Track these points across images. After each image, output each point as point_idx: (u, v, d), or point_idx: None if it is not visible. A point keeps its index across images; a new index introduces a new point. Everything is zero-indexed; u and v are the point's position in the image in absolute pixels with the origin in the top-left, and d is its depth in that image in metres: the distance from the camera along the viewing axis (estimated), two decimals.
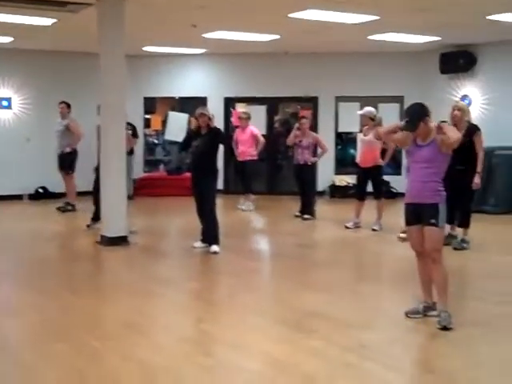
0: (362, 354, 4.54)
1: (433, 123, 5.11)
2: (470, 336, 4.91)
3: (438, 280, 5.12)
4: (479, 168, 7.99)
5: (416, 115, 5.11)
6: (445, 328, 4.91)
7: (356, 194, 10.25)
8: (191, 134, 8.38)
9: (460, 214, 8.15)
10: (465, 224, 8.26)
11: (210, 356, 4.59)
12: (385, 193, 10.63)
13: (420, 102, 5.27)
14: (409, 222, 5.20)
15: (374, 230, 9.61)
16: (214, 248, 7.97)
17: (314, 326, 5.15)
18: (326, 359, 4.43)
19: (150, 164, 15.88)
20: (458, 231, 8.27)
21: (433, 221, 4.99)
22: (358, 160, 10.41)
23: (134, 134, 10.26)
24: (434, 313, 5.18)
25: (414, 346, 4.79)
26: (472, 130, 8.08)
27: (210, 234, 8.08)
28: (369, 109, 10.02)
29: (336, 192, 14.23)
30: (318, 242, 9.66)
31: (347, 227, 9.84)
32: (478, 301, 6.03)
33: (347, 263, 7.90)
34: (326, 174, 14.24)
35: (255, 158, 12.13)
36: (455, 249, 8.07)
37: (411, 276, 5.76)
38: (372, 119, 9.79)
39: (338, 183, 14.38)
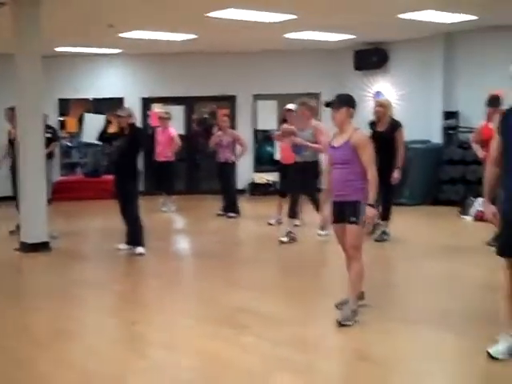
0: (295, 348, 4.63)
1: (355, 127, 5.13)
2: (397, 325, 5.07)
3: (351, 276, 5.17)
4: (399, 163, 8.26)
5: (344, 98, 5.19)
6: (340, 324, 4.95)
7: (278, 190, 10.36)
8: (109, 134, 8.27)
9: (382, 208, 8.40)
10: (386, 217, 8.51)
11: (146, 358, 4.55)
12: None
13: (350, 95, 5.33)
14: (334, 220, 5.25)
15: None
16: (139, 250, 7.89)
17: (244, 322, 5.19)
18: (260, 354, 4.48)
19: (67, 167, 15.54)
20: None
21: (353, 219, 5.03)
22: (278, 157, 10.53)
23: (54, 137, 10.01)
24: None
25: (345, 337, 4.89)
26: (394, 126, 8.34)
27: (134, 236, 7.99)
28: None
29: (256, 190, 14.35)
30: (243, 240, 9.73)
31: (270, 224, 9.95)
32: (399, 288, 6.26)
33: (272, 260, 7.99)
34: (246, 172, 14.33)
35: (172, 159, 12.05)
36: (376, 241, 8.31)
37: (337, 269, 5.89)
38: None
39: (257, 181, 14.51)
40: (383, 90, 13.92)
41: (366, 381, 4.03)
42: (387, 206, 8.47)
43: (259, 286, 6.43)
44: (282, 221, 9.88)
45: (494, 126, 7.47)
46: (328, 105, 5.17)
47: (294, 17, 10.52)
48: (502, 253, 4.20)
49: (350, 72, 13.98)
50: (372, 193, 4.97)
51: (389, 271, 7.43)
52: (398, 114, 13.41)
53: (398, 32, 12.34)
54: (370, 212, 4.96)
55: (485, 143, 8.02)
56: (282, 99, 14.63)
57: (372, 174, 4.98)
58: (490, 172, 4.29)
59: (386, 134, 8.22)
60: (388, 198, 8.41)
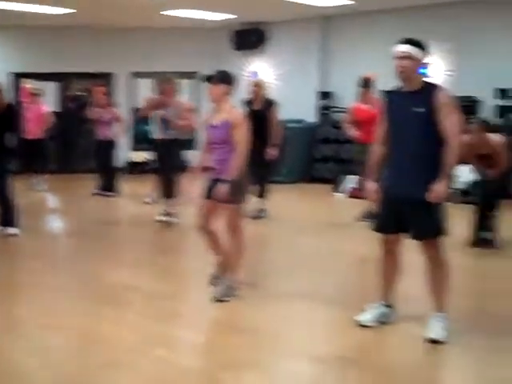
0: (174, 323, 4.68)
1: (232, 106, 5.13)
2: (271, 299, 5.22)
3: (229, 252, 5.21)
4: (275, 140, 8.44)
5: (224, 75, 5.14)
6: (217, 300, 5.02)
7: (154, 169, 10.27)
8: None
9: (258, 185, 8.55)
10: (262, 194, 8.68)
11: (21, 338, 4.41)
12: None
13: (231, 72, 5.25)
14: (207, 196, 5.19)
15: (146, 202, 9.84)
16: (12, 230, 7.61)
17: (126, 300, 5.17)
18: (140, 330, 4.49)
19: None
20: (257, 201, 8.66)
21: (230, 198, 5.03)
22: (155, 135, 10.40)
23: None
24: (237, 278, 5.33)
25: (221, 311, 4.97)
26: (269, 104, 8.53)
27: (6, 216, 7.69)
28: None
29: (134, 168, 14.18)
30: (120, 219, 9.61)
31: (146, 203, 9.89)
32: (274, 264, 6.44)
33: (149, 239, 7.96)
34: (123, 151, 14.10)
35: (42, 136, 11.64)
36: (253, 218, 8.46)
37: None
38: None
39: (135, 159, 14.34)
40: (261, 70, 14.13)
41: (240, 350, 4.14)
42: (263, 184, 8.64)
43: (139, 264, 6.40)
44: (156, 200, 9.82)
45: (369, 106, 7.84)
46: (208, 79, 5.16)
47: None
48: (379, 229, 4.38)
49: (228, 51, 14.06)
50: (234, 170, 4.96)
51: (265, 248, 7.61)
52: (274, 93, 13.66)
53: (277, 13, 12.53)
54: (222, 188, 4.97)
55: (356, 123, 8.36)
56: (161, 77, 14.48)
57: (240, 151, 5.00)
58: (375, 151, 4.42)
59: (260, 112, 8.41)
60: (264, 176, 8.58)
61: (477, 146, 6.84)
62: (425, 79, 4.29)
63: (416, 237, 4.24)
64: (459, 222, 7.05)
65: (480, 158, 6.94)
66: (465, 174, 9.46)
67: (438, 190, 4.04)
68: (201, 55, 14.35)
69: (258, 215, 8.61)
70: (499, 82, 10.60)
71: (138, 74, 14.58)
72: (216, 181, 5.09)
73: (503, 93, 10.60)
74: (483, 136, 6.82)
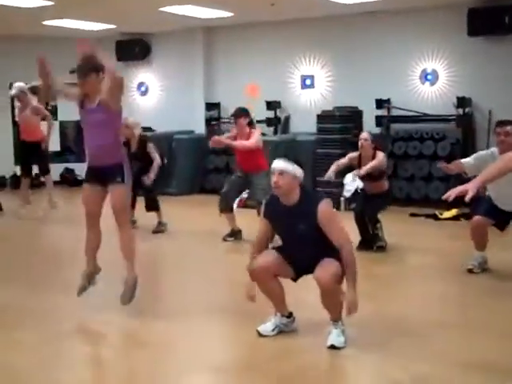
0: (75, 339, 4.58)
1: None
2: (172, 309, 5.23)
3: (126, 244, 5.12)
4: (155, 170, 8.41)
5: (91, 63, 5.01)
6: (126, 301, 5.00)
7: None
8: None
9: (145, 200, 8.49)
10: (153, 207, 8.59)
11: None
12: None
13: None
14: (88, 182, 5.14)
15: None
16: None
17: (14, 320, 5.00)
18: (39, 351, 4.35)
19: None
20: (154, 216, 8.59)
21: (119, 179, 5.01)
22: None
23: None
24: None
25: (119, 325, 4.91)
26: (143, 144, 8.50)
27: None
28: (19, 84, 9.85)
29: None
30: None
31: None
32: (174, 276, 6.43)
33: None
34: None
35: None
36: (154, 232, 8.43)
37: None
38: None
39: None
40: (146, 81, 14.05)
41: (140, 364, 4.11)
42: (152, 198, 8.55)
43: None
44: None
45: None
46: (73, 72, 5.05)
47: (51, 3, 10.20)
48: None
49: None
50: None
51: (163, 262, 7.56)
52: (161, 105, 13.77)
53: (159, 24, 12.50)
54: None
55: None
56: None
57: None
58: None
59: (138, 154, 8.36)
60: (150, 191, 8.51)
61: (364, 155, 7.20)
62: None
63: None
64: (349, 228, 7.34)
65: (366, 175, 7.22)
66: (349, 182, 9.83)
67: (350, 302, 4.10)
68: None
69: (159, 229, 8.53)
70: (379, 93, 11.10)
71: None
72: (101, 168, 5.04)
73: (379, 103, 11.09)
74: (369, 150, 7.17)
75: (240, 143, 7.64)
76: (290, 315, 4.61)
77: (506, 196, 6.01)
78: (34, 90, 9.75)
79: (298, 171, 4.25)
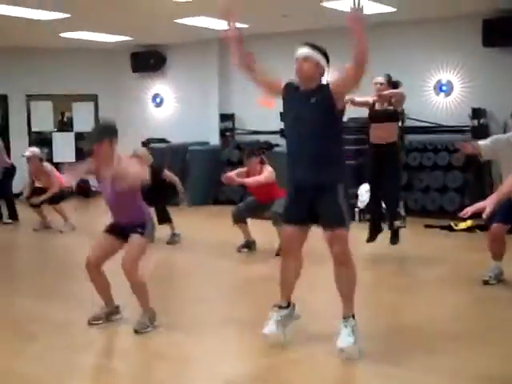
0: (89, 352, 4.59)
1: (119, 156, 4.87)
2: (186, 321, 5.22)
3: (138, 288, 4.94)
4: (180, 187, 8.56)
5: (103, 129, 4.95)
6: (137, 332, 4.86)
7: None
8: None
9: (156, 212, 8.49)
10: (166, 220, 8.56)
11: None
12: None
13: (109, 122, 5.09)
14: (107, 231, 5.04)
15: None
16: None
17: (33, 331, 5.00)
18: (49, 361, 4.36)
19: None
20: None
21: (139, 230, 4.89)
22: None
23: None
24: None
25: (135, 338, 4.91)
26: (158, 172, 8.29)
27: None
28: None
29: None
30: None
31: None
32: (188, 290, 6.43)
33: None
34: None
35: None
36: (168, 243, 8.42)
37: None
38: None
39: None
40: (161, 92, 14.12)
41: (159, 376, 4.12)
42: (162, 209, 8.53)
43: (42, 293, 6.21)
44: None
45: None
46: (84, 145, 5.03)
47: (68, 15, 10.31)
48: (288, 219, 4.51)
49: (127, 74, 13.99)
50: None
51: (178, 274, 7.57)
52: (176, 116, 13.82)
53: (174, 36, 12.58)
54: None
55: None
56: (59, 100, 14.24)
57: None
58: None
59: (155, 183, 8.26)
60: (162, 202, 8.50)
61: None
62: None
63: (324, 225, 4.31)
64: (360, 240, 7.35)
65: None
66: (363, 193, 9.83)
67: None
68: (99, 77, 14.18)
69: (173, 240, 8.54)
70: None
71: (35, 97, 14.16)
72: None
73: None
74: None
75: (253, 179, 7.69)
76: (288, 305, 4.56)
77: None
78: None
79: (321, 60, 4.34)
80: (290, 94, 4.45)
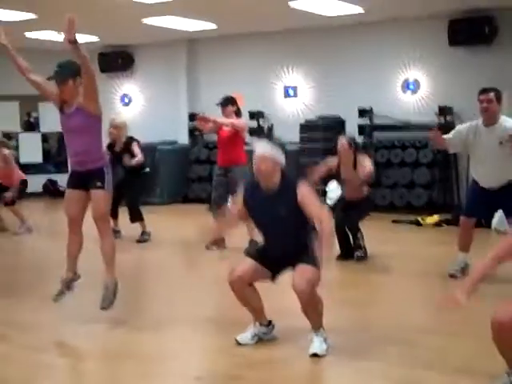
0: (54, 353, 4.53)
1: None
2: (155, 320, 5.21)
3: (107, 253, 5.07)
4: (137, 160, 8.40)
5: (68, 68, 5.04)
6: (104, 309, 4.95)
7: None
8: None
9: (128, 211, 8.49)
10: (137, 218, 8.56)
11: None
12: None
13: (71, 62, 5.07)
14: (70, 186, 5.13)
15: None
16: None
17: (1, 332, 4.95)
18: (17, 362, 4.31)
19: None
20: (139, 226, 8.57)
21: (99, 184, 4.97)
22: None
23: None
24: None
25: (103, 337, 4.88)
26: (128, 144, 8.44)
27: None
28: None
29: None
30: None
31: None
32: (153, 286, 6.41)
33: None
34: None
35: None
36: (138, 241, 8.40)
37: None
38: None
39: None
40: (130, 92, 14.05)
41: (126, 376, 4.10)
42: (134, 208, 8.53)
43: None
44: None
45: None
46: (50, 79, 5.10)
47: (34, 16, 10.21)
48: None
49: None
50: None
51: (147, 273, 7.54)
52: (145, 116, 13.76)
53: (142, 36, 12.52)
54: None
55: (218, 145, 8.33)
56: (25, 100, 14.06)
57: None
58: None
59: (122, 155, 8.38)
60: (134, 201, 8.53)
61: (344, 161, 7.13)
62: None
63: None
64: None
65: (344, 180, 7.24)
66: (333, 190, 9.86)
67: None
68: None
69: (143, 238, 8.51)
70: (361, 102, 11.17)
71: (1, 97, 13.96)
72: (83, 173, 5.03)
73: (361, 112, 11.18)
74: (349, 153, 7.11)
75: (227, 120, 7.71)
76: (268, 324, 4.55)
77: (488, 172, 6.01)
78: None
79: (279, 156, 4.25)
80: (252, 197, 4.37)
